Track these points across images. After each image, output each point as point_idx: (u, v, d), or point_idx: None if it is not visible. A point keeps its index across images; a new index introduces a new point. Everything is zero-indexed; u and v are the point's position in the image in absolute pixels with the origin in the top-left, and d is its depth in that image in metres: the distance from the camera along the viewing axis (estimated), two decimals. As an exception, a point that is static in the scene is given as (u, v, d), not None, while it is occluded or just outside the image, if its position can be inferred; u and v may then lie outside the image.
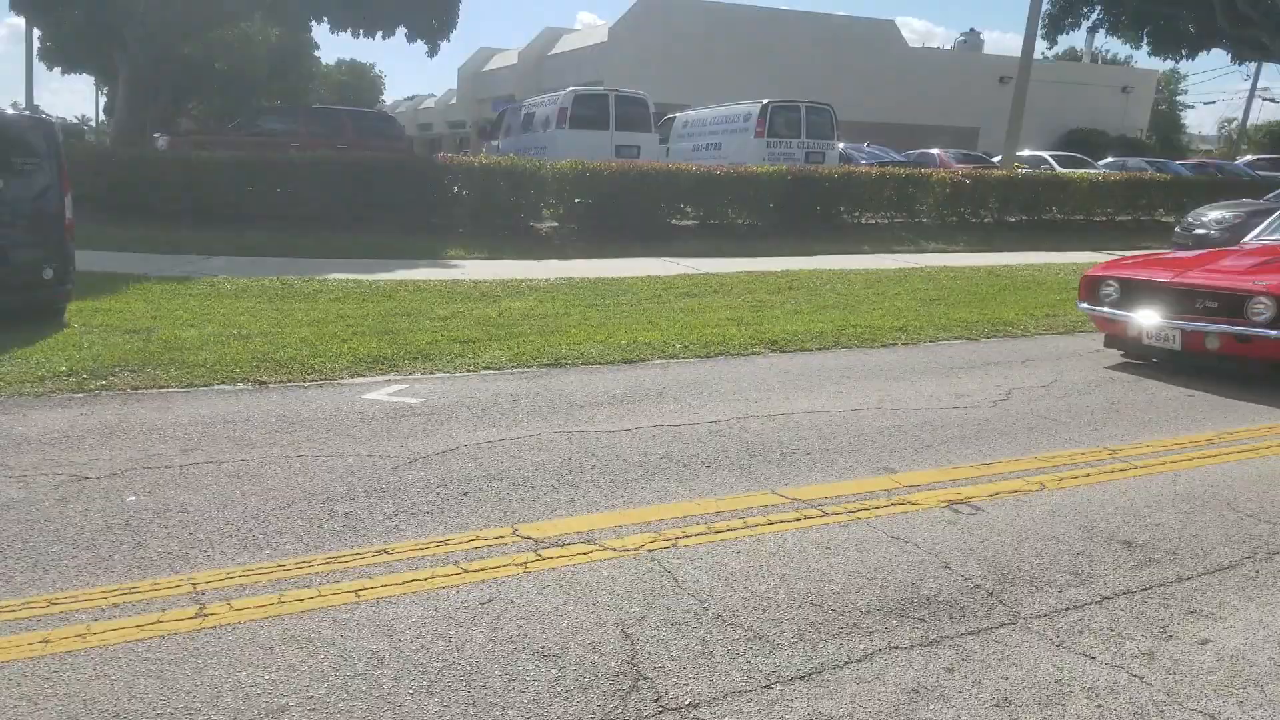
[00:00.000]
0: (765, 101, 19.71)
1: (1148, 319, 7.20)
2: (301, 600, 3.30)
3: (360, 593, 3.36)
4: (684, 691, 2.79)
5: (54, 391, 5.87)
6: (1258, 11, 22.76)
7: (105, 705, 2.68)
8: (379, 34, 21.90)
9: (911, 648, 3.06)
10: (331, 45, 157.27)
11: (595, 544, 3.77)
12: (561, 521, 4.02)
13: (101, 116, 36.57)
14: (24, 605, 3.23)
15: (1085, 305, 7.85)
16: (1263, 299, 6.64)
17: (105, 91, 34.19)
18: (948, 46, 50.11)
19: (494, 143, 21.57)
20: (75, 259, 8.09)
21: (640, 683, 2.83)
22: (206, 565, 3.56)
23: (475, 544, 3.77)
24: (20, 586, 3.36)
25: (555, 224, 15.15)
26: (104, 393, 5.90)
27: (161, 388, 6.06)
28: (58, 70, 29.29)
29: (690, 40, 34.42)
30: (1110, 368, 7.53)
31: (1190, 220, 15.79)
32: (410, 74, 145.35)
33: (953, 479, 4.69)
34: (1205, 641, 3.18)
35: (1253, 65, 35.24)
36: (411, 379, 6.52)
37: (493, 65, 44.04)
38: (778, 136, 19.47)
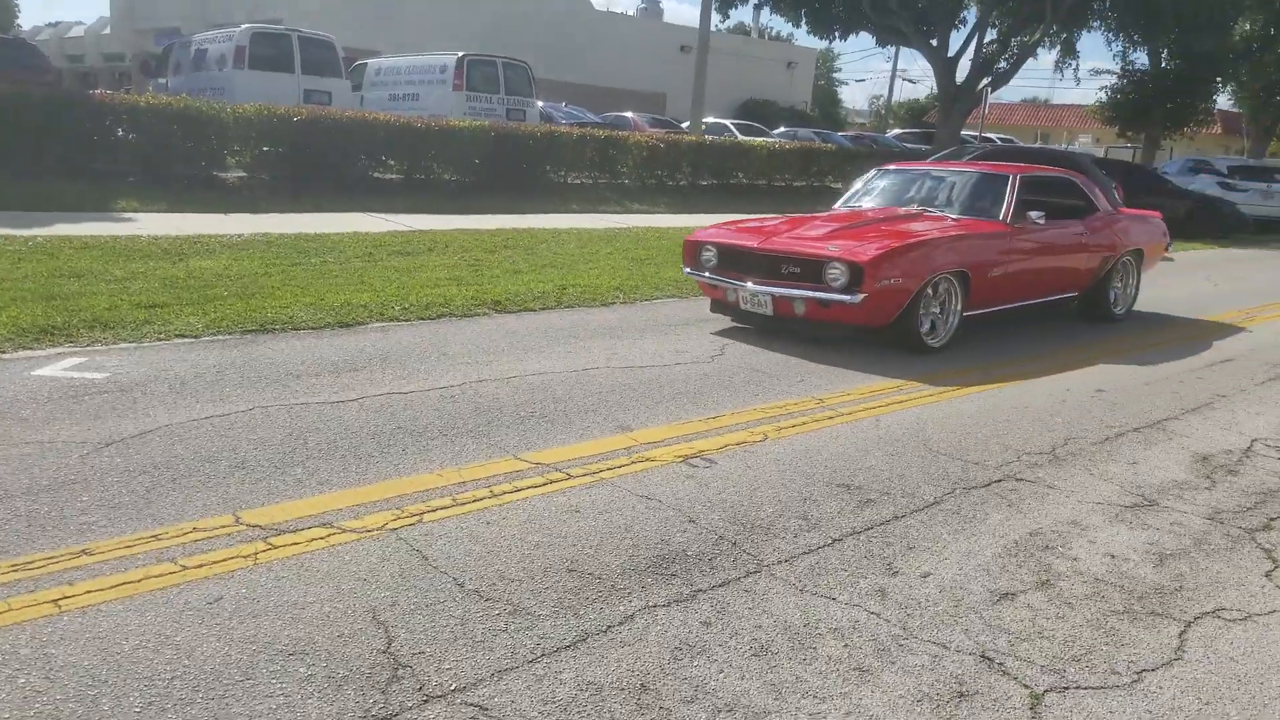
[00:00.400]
0: (461, 54, 19.16)
1: (743, 285, 7.00)
2: None
3: (61, 602, 2.90)
4: (448, 676, 2.67)
5: None
6: (897, 3, 25.57)
7: None
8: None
9: (669, 605, 3.13)
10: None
11: (332, 527, 3.50)
12: (291, 505, 3.69)
13: None
14: None
15: (689, 270, 7.61)
16: (836, 264, 6.50)
17: None
18: (630, 13, 51.57)
19: (161, 80, 19.30)
20: None
21: (400, 672, 2.66)
22: None
23: (193, 537, 3.37)
24: None
25: (244, 174, 13.86)
26: None
27: None
28: None
29: (375, -17, 32.76)
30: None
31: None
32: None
33: (685, 434, 4.86)
34: (927, 575, 3.50)
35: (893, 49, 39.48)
36: (91, 351, 5.71)
37: (154, -7, 39.44)
38: (476, 91, 19.03)
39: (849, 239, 6.93)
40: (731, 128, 28.78)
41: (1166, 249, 9.99)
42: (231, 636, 2.77)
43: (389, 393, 5.21)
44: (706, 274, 7.40)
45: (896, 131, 39.87)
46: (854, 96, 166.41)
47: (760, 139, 24.61)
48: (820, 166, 22.05)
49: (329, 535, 3.43)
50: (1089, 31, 29.37)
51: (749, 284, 6.97)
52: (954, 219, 7.66)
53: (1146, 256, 9.47)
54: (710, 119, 28.45)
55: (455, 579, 3.18)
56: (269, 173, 13.76)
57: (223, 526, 3.46)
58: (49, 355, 5.56)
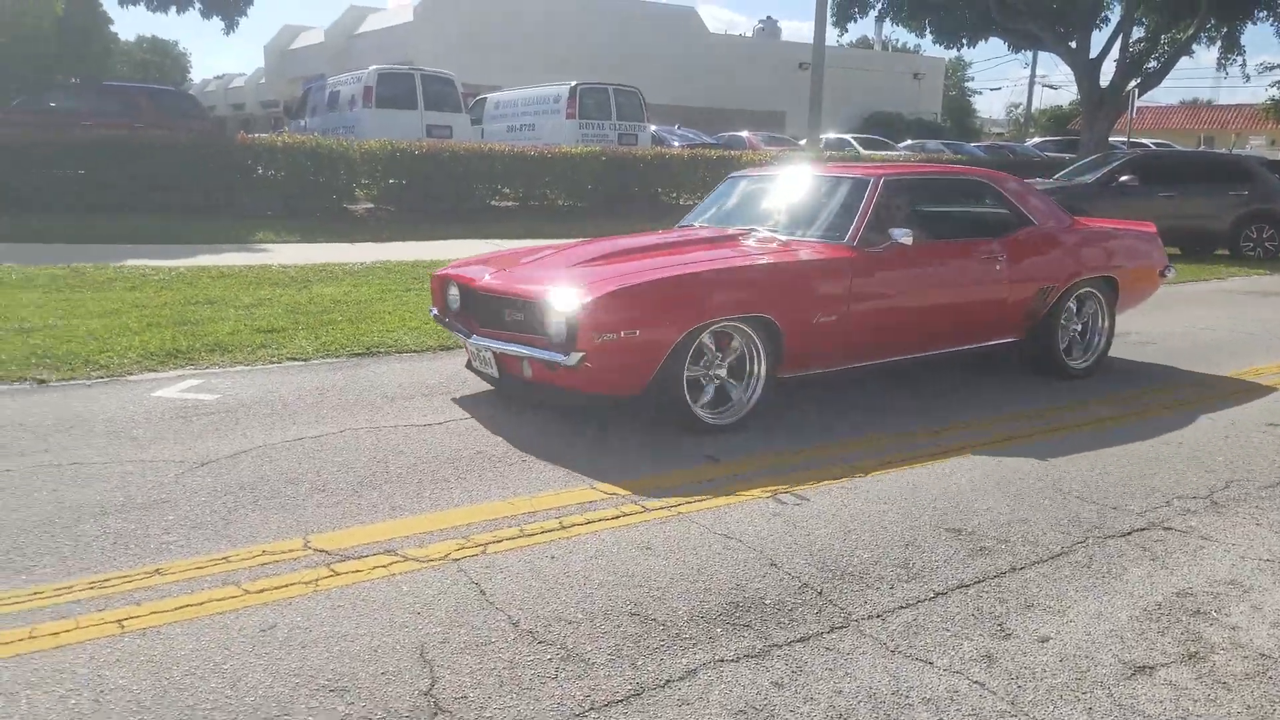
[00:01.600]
0: (574, 83, 19.39)
1: (468, 336, 5.14)
2: (56, 634, 2.77)
3: (125, 622, 2.85)
4: (488, 724, 2.46)
5: None
6: (1025, 3, 24.07)
7: None
8: (173, 8, 20.18)
9: (738, 660, 2.77)
10: (128, 22, 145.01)
11: (396, 554, 3.36)
12: (360, 530, 3.58)
13: None
14: None
15: (435, 313, 5.68)
16: (549, 309, 4.58)
17: None
18: (748, 35, 51.20)
19: (300, 121, 20.23)
20: None
21: (438, 718, 2.47)
22: (-54, 599, 2.96)
23: (260, 560, 3.29)
24: None
25: (371, 205, 14.31)
26: None
27: (-95, 394, 5.18)
28: None
29: (495, 22, 33.61)
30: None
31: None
32: (219, 52, 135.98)
33: (773, 464, 4.54)
34: (1046, 640, 2.94)
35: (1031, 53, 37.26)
36: (208, 373, 5.85)
37: (299, 43, 41.66)
38: (589, 118, 19.20)
39: (594, 271, 4.91)
40: (853, 142, 28.02)
41: (1164, 274, 6.93)
42: (278, 668, 2.65)
43: (468, 417, 5.10)
44: (448, 320, 5.50)
45: (1037, 140, 37.49)
46: (990, 105, 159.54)
47: (882, 153, 23.88)
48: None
49: (391, 563, 3.29)
50: (1253, 24, 26.00)
51: (473, 335, 5.12)
52: (781, 241, 5.46)
53: (1124, 286, 6.54)
54: (831, 134, 27.83)
55: (510, 617, 2.96)
56: (394, 204, 14.15)
57: (291, 550, 3.38)
58: (170, 377, 5.72)
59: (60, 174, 12.83)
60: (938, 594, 3.22)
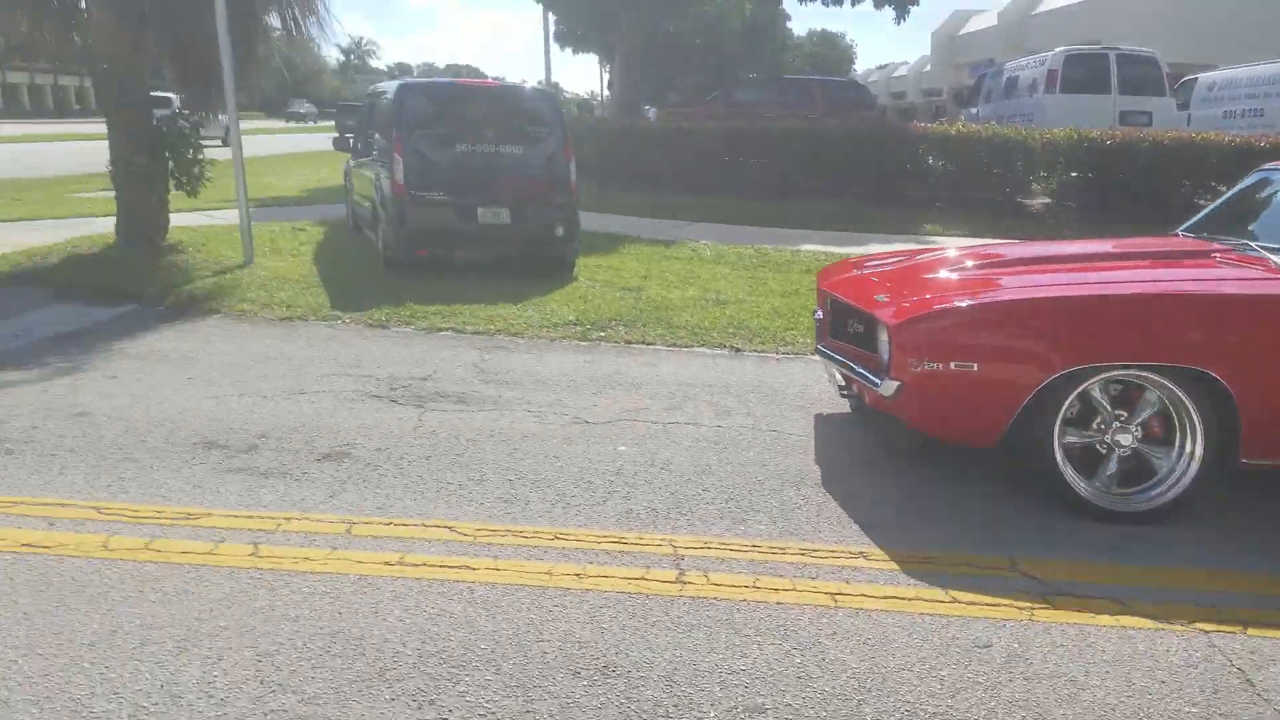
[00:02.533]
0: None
1: (821, 349, 4.64)
2: (776, 590, 3.07)
3: (837, 597, 3.04)
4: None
5: (564, 338, 6.47)
6: None
7: (596, 653, 2.68)
8: (847, 1, 21.58)
9: None
10: (801, 16, 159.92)
11: (1124, 604, 3.04)
12: (1078, 565, 3.34)
13: (602, 92, 40.60)
14: (534, 534, 3.44)
15: (819, 316, 4.95)
16: (877, 324, 3.93)
17: (607, 69, 37.81)
18: None
19: (972, 110, 20.12)
20: (579, 219, 8.77)
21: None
22: (686, 529, 3.53)
23: (965, 570, 3.26)
24: (532, 515, 3.62)
25: (1048, 200, 13.65)
26: (602, 344, 6.38)
27: (649, 344, 6.40)
28: (569, 51, 33.04)
29: (1207, -12, 29.38)
30: None
31: None
32: (881, 43, 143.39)
33: None
34: None
35: None
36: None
37: (969, 28, 41.55)
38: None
39: (951, 284, 4.14)
40: None
41: None
42: (1000, 693, 2.55)
43: None
44: (819, 326, 4.91)
45: None
46: None
47: None
48: None
49: (1120, 613, 2.98)
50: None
51: (820, 344, 4.69)
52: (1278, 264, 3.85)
53: None
54: None
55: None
56: (1074, 199, 13.31)
57: (996, 569, 3.28)
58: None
59: (749, 162, 14.62)
60: None
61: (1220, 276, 4.00)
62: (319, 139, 31.20)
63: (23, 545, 3.22)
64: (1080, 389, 3.58)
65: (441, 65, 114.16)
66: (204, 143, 9.22)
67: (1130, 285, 3.94)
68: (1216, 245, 4.42)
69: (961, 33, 41.25)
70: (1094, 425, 3.67)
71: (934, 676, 2.62)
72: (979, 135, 13.29)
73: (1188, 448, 3.60)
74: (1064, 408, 3.59)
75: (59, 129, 40.92)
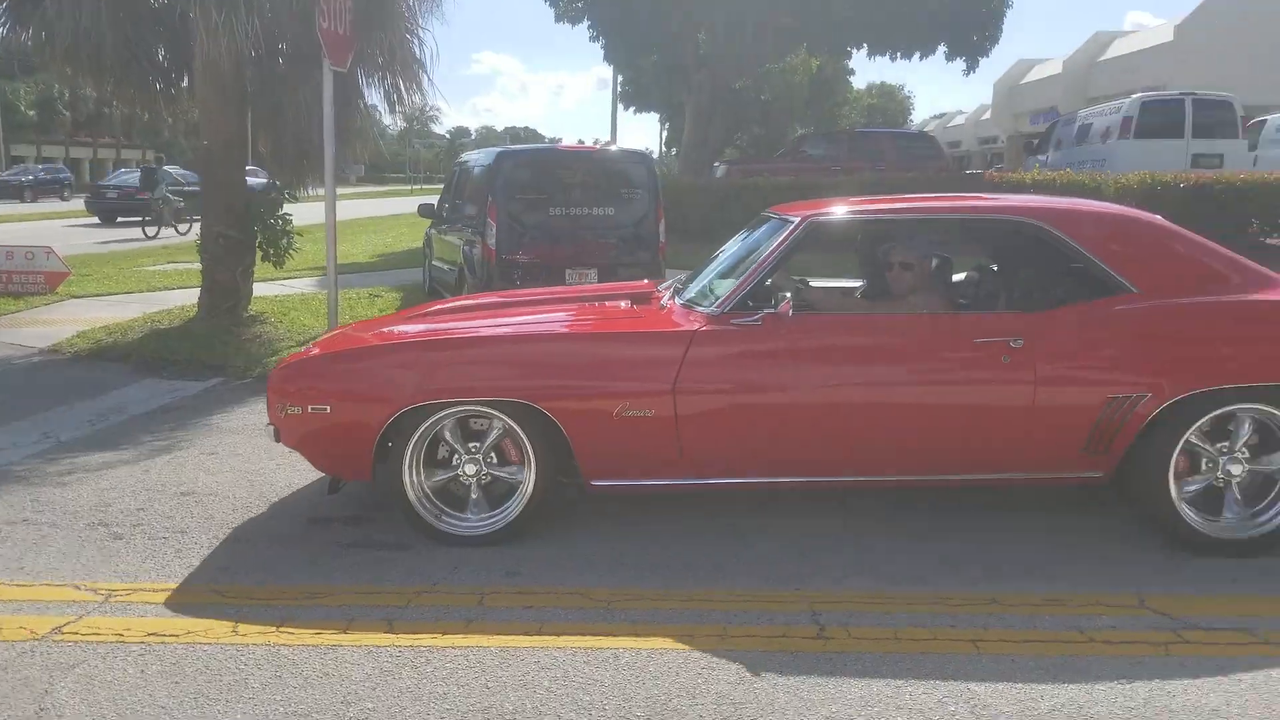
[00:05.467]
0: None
1: None
2: (916, 640, 3.14)
3: (978, 643, 3.11)
4: None
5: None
6: None
7: (752, 714, 2.73)
8: (917, 55, 21.66)
9: None
10: (864, 69, 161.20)
11: (1252, 635, 3.14)
12: (1200, 600, 3.43)
13: (660, 149, 41.26)
14: (666, 595, 3.46)
15: None
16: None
17: (666, 126, 38.43)
18: None
19: (1041, 157, 20.00)
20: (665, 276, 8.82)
21: None
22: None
23: (1095, 609, 3.35)
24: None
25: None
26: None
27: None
28: (630, 110, 33.68)
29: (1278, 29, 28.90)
30: None
31: None
32: (934, 93, 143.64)
33: None
34: None
35: None
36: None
37: (1032, 76, 41.41)
38: None
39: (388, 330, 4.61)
40: None
41: None
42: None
43: None
44: None
45: None
46: None
47: None
48: None
49: (1248, 643, 3.09)
50: None
51: None
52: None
53: None
54: None
55: None
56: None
57: (1126, 606, 3.38)
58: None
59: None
60: None
61: (579, 318, 4.56)
62: (373, 204, 32.06)
63: (149, 635, 3.20)
64: (415, 429, 3.90)
65: (500, 129, 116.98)
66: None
67: (486, 330, 4.44)
68: (664, 289, 4.84)
69: (1023, 81, 41.17)
70: (439, 458, 4.02)
71: (1084, 715, 2.70)
72: (1053, 183, 13.22)
73: (527, 472, 3.95)
74: (410, 445, 3.91)
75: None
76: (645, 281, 5.73)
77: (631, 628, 3.23)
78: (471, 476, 3.98)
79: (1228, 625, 3.18)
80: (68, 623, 3.30)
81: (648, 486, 4.04)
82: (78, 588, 3.61)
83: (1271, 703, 2.72)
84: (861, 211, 4.44)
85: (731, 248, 4.80)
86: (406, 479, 3.93)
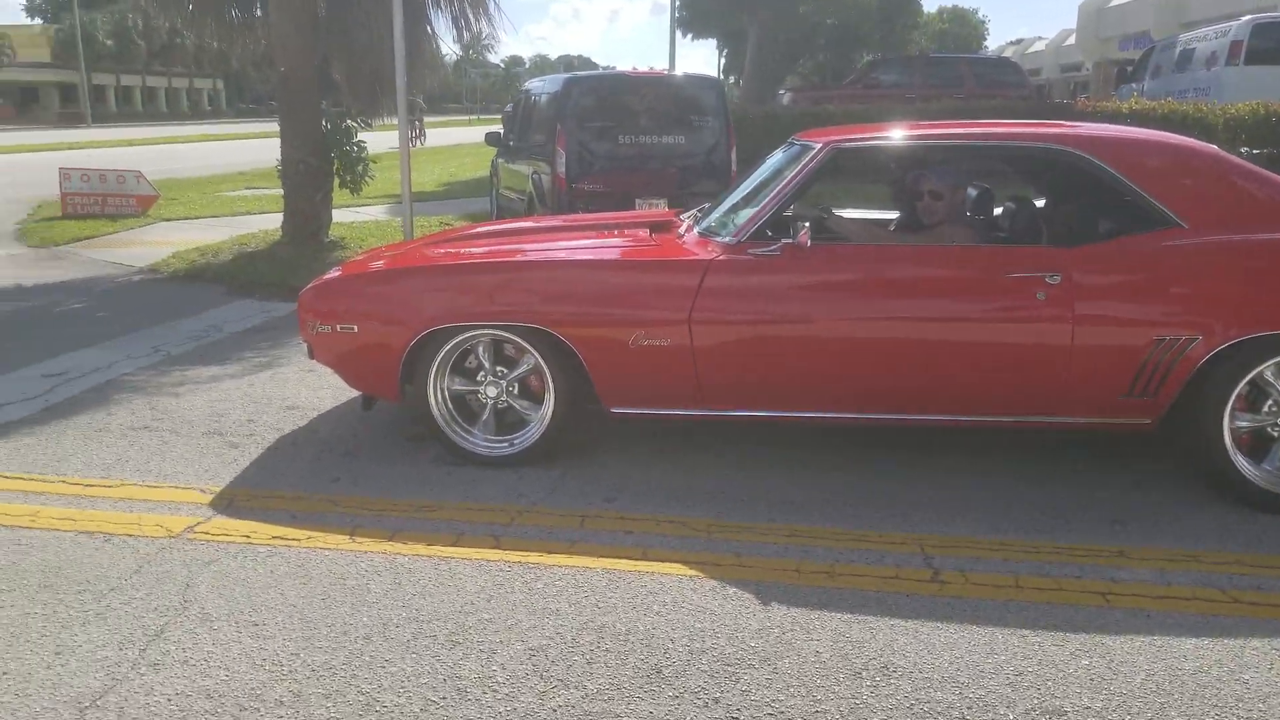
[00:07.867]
0: None
1: None
2: (1041, 589, 3.06)
3: (1108, 595, 3.02)
4: None
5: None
6: None
7: (872, 653, 2.71)
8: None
9: None
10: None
11: None
12: None
13: (719, 76, 40.53)
14: (769, 529, 3.40)
15: None
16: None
17: (724, 54, 37.69)
18: None
19: (1134, 85, 19.25)
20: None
21: None
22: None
23: (1235, 569, 3.19)
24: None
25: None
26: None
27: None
28: (689, 37, 33.04)
29: None
30: None
31: None
32: (1010, 20, 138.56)
33: None
34: None
35: None
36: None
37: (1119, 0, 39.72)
38: None
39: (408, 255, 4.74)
40: None
41: None
42: None
43: None
44: None
45: None
46: None
47: None
48: None
49: None
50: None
51: None
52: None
53: None
54: None
55: None
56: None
57: (1271, 566, 3.22)
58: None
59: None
60: None
61: (596, 245, 4.64)
62: (433, 134, 32.05)
63: (273, 538, 3.39)
64: (444, 346, 4.02)
65: (554, 57, 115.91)
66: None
67: (505, 254, 4.45)
68: (685, 218, 4.72)
69: (1111, 4, 39.45)
70: (467, 367, 4.14)
71: (1236, 679, 2.57)
72: (1155, 111, 12.75)
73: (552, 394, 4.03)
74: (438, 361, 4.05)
75: (195, 130, 43.22)
76: (668, 209, 5.73)
77: (736, 559, 3.26)
78: (491, 398, 4.11)
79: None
80: (198, 523, 3.54)
81: (668, 415, 4.05)
82: (203, 491, 3.85)
83: None
84: (888, 138, 4.18)
85: (755, 175, 4.65)
86: (431, 393, 4.08)
